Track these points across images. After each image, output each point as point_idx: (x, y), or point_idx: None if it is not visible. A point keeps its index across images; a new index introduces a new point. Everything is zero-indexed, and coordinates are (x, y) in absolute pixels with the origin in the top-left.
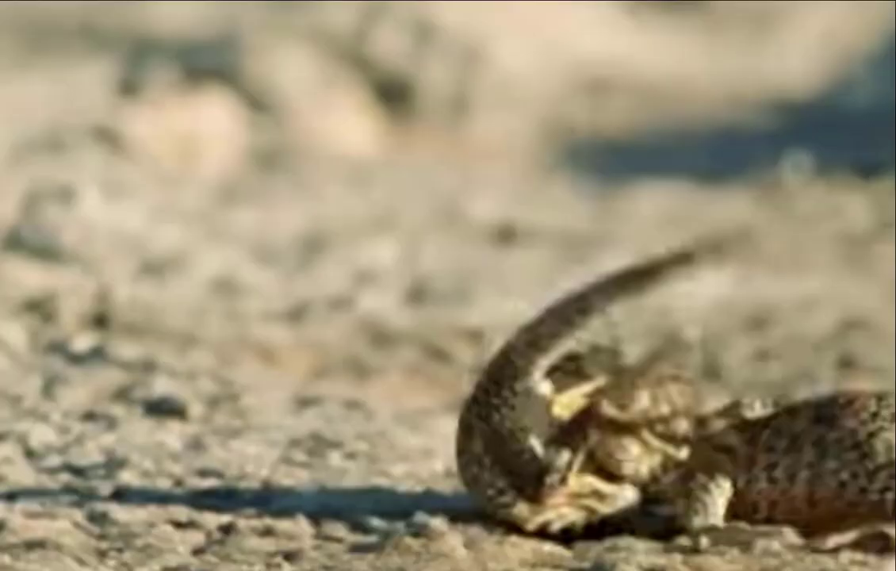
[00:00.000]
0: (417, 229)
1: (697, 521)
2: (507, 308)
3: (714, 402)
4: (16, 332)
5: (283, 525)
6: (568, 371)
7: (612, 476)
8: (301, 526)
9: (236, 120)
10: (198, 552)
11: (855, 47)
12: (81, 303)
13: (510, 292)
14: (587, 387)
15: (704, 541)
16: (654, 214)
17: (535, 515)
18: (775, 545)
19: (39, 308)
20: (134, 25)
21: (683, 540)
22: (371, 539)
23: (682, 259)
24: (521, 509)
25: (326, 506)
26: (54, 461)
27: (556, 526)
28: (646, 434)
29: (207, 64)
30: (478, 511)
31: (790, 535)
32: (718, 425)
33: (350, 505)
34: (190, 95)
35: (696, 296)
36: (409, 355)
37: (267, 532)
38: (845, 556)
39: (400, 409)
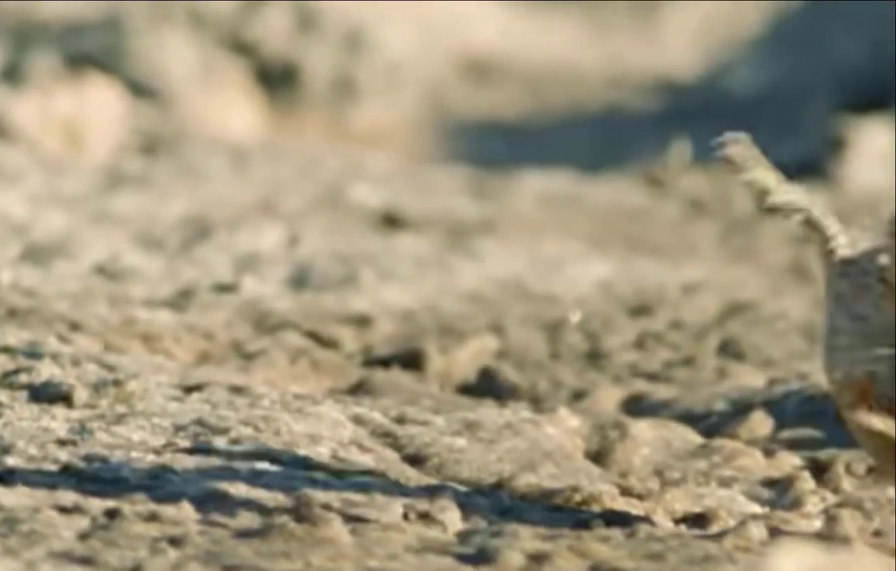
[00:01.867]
0: (301, 215)
1: None
2: (390, 294)
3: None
4: None
5: (168, 510)
6: None
7: None
8: (186, 512)
9: (120, 105)
10: (83, 537)
11: (736, 33)
12: None
13: (394, 277)
14: None
15: None
16: (538, 199)
17: None
18: (659, 531)
19: None
20: (17, 11)
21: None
22: (256, 524)
23: None
24: None
25: (211, 492)
26: None
27: None
28: None
29: (91, 49)
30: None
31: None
32: None
33: (235, 491)
34: (73, 81)
35: (579, 281)
36: (293, 340)
37: (152, 518)
38: (729, 541)
39: (285, 394)
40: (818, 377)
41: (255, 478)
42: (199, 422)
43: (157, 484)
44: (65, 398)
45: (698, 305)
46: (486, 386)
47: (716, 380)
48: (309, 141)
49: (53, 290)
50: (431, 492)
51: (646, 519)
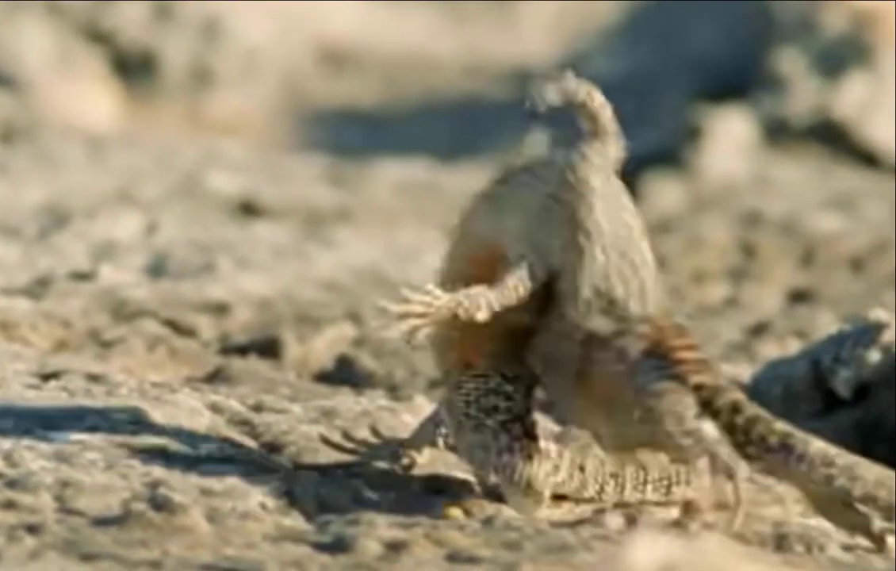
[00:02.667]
0: (159, 203)
1: None
2: (248, 282)
3: None
4: None
5: (25, 498)
6: None
7: None
8: (43, 500)
9: None
10: None
11: (592, 22)
12: None
13: (251, 266)
14: None
15: None
16: (394, 188)
17: None
18: (516, 520)
19: None
20: None
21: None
22: (113, 513)
23: None
24: None
25: (69, 480)
26: None
27: None
28: None
29: None
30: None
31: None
32: None
33: (92, 480)
34: None
35: (435, 269)
36: (150, 328)
37: (9, 506)
38: (586, 531)
39: (142, 383)
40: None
41: (112, 466)
42: (57, 410)
43: (14, 472)
44: None
45: None
46: (343, 374)
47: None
48: (166, 130)
49: None
50: (289, 481)
51: (503, 508)
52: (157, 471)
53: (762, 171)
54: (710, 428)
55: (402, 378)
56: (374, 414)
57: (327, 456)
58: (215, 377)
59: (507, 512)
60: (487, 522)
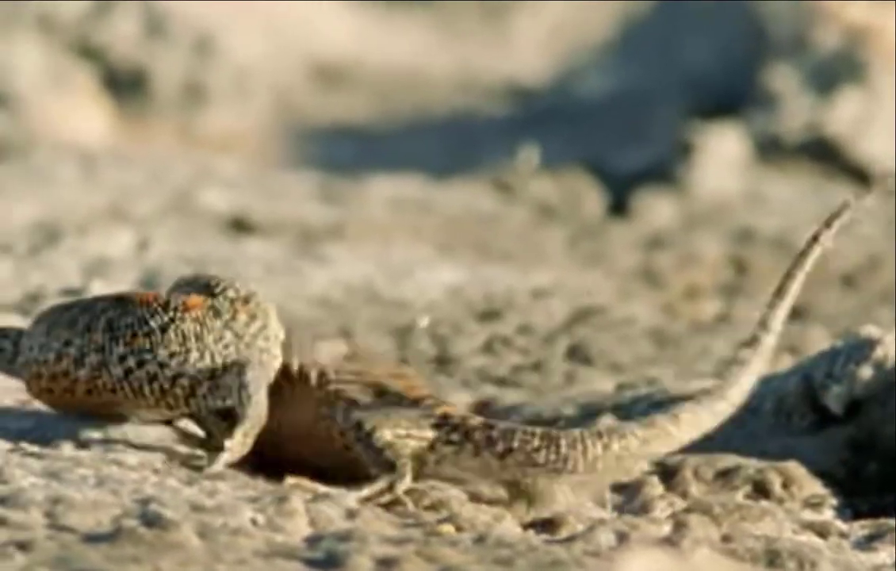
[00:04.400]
0: (151, 220)
1: None
2: None
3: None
4: None
5: (15, 515)
6: None
7: None
8: (34, 516)
9: None
10: None
11: (585, 38)
12: None
13: (244, 282)
14: None
15: None
16: (387, 204)
17: None
18: (508, 536)
19: None
20: None
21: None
22: (105, 529)
23: None
24: None
25: (59, 496)
26: None
27: None
28: None
29: None
30: (215, 504)
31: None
32: None
33: (83, 496)
34: None
35: (428, 286)
36: None
37: (0, 523)
38: (578, 547)
39: None
40: (666, 382)
41: (103, 483)
42: (47, 426)
43: (5, 489)
44: None
45: (547, 310)
46: None
47: (564, 385)
48: (158, 146)
49: None
50: (280, 497)
51: (494, 524)
52: (149, 487)
53: (755, 187)
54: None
55: None
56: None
57: (318, 473)
58: None
59: (499, 528)
60: (479, 538)
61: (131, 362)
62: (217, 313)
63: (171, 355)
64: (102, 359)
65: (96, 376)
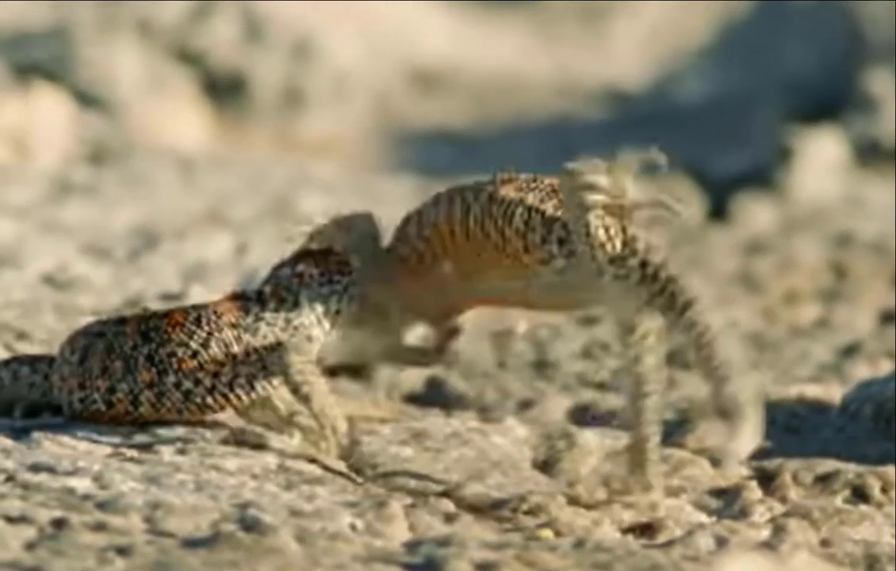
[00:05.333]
0: (249, 224)
1: None
2: None
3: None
4: None
5: (115, 520)
6: None
7: None
8: (133, 521)
9: (67, 115)
10: (30, 547)
11: (684, 42)
12: None
13: None
14: None
15: None
16: None
17: None
18: (606, 540)
19: None
20: None
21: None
22: (203, 533)
23: None
24: None
25: (159, 501)
26: None
27: None
28: None
29: (39, 59)
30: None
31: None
32: None
33: (182, 501)
34: (21, 90)
35: None
36: None
37: (99, 527)
38: (676, 551)
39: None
40: (766, 388)
41: (202, 487)
42: (146, 431)
43: (104, 494)
44: (11, 408)
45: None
46: (434, 396)
47: (664, 389)
48: (257, 151)
49: (1, 300)
50: (379, 502)
51: (593, 529)
52: (247, 492)
53: (854, 191)
54: None
55: (493, 400)
56: (464, 436)
57: (416, 478)
58: None
59: (597, 533)
60: (578, 543)
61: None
62: None
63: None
64: None
65: None
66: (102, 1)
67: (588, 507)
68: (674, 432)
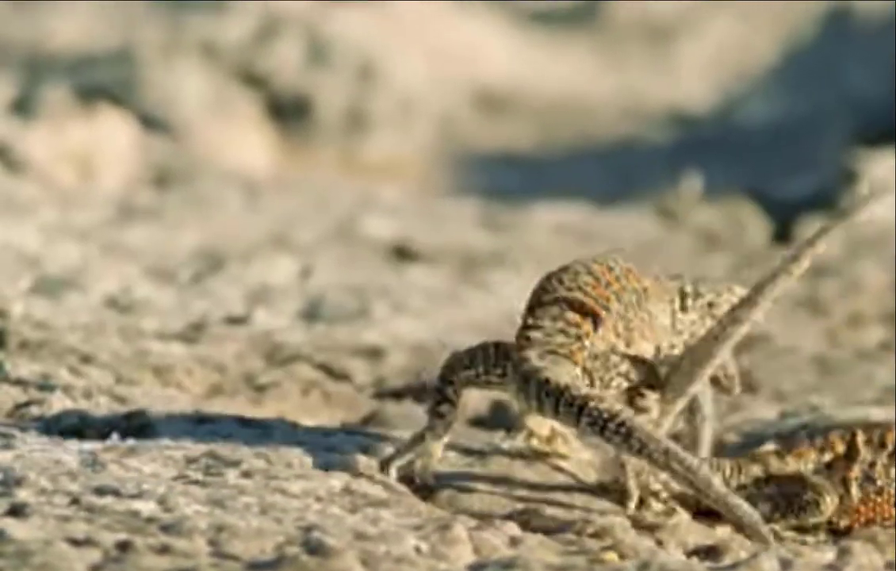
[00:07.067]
0: (314, 247)
1: None
2: (403, 326)
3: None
4: None
5: (179, 543)
6: None
7: None
8: (198, 544)
9: (132, 137)
10: (95, 569)
11: (749, 65)
12: None
13: (406, 310)
14: None
15: None
16: (551, 232)
17: None
18: (671, 563)
19: None
20: (29, 43)
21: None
22: (268, 556)
23: None
24: None
25: (223, 524)
26: None
27: None
28: None
29: (103, 81)
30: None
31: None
32: None
33: (246, 524)
34: (85, 113)
35: None
36: (305, 372)
37: (164, 550)
38: None
39: (297, 427)
40: (830, 410)
41: (266, 510)
42: (211, 454)
43: (169, 517)
44: (77, 431)
45: None
46: (499, 418)
47: (728, 412)
48: (321, 173)
49: (65, 322)
50: (443, 525)
51: (658, 551)
52: (311, 515)
53: None
54: None
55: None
56: (528, 459)
57: (481, 501)
58: (370, 422)
59: (662, 555)
60: (643, 565)
61: None
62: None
63: None
64: None
65: None
66: (167, 23)
67: (652, 530)
68: (738, 455)
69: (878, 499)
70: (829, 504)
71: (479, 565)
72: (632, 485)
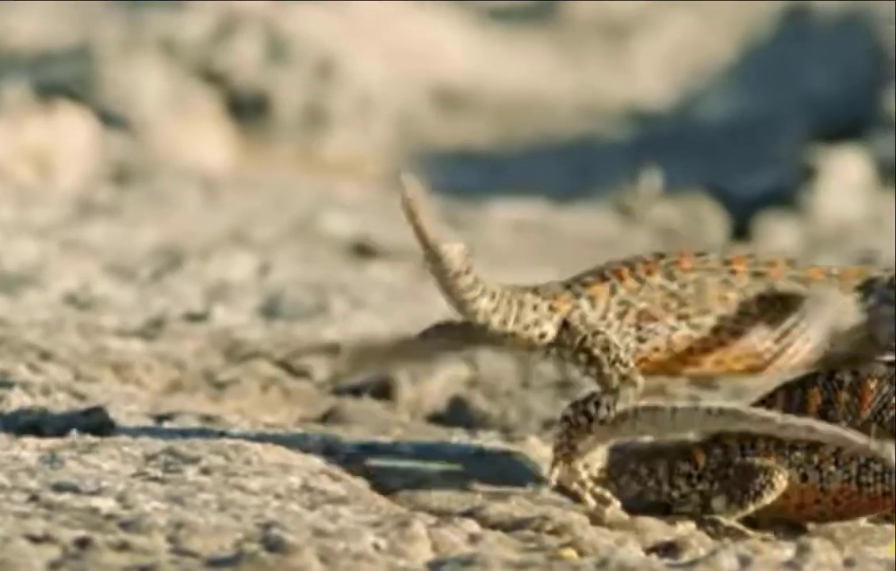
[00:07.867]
0: (273, 244)
1: None
2: (361, 323)
3: None
4: None
5: (138, 539)
6: None
7: None
8: (157, 541)
9: (91, 134)
10: (54, 567)
11: (706, 62)
12: None
13: (365, 307)
14: None
15: None
16: (509, 229)
17: None
18: (630, 560)
19: None
20: None
21: None
22: (227, 553)
23: None
24: None
25: (182, 521)
26: None
27: None
28: None
29: (61, 78)
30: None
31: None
32: None
33: (205, 520)
34: (44, 110)
35: None
36: (264, 369)
37: (123, 547)
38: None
39: (256, 424)
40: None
41: (225, 507)
42: (170, 451)
43: (128, 514)
44: (35, 428)
45: None
46: (457, 415)
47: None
48: (280, 171)
49: (24, 319)
50: (402, 522)
51: (617, 548)
52: (270, 512)
53: (877, 211)
54: None
55: (516, 419)
56: (487, 456)
57: (439, 498)
58: (328, 418)
59: (621, 552)
60: (602, 563)
61: None
62: None
63: None
64: None
65: None
66: (125, 20)
67: (611, 527)
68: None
69: None
70: (781, 480)
71: (437, 562)
72: (585, 492)
